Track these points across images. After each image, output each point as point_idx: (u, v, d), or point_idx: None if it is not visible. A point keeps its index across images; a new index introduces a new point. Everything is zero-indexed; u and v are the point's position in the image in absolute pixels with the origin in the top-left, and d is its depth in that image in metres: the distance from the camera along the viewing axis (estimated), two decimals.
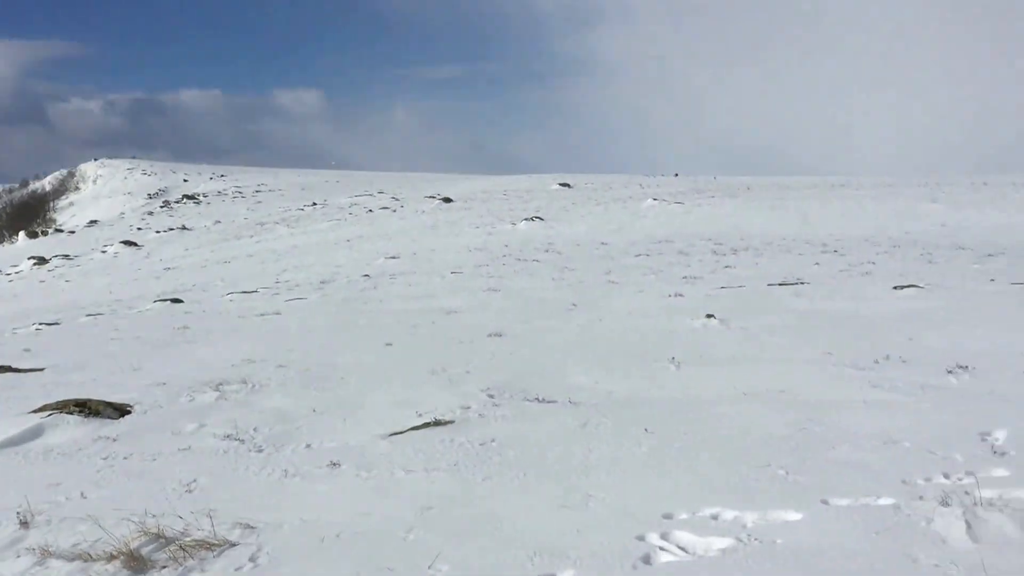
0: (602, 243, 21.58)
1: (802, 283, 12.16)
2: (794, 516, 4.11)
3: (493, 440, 5.54)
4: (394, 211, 37.82)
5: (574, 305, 10.98)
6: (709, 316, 9.37)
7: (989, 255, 15.53)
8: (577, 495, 4.46)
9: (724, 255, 17.40)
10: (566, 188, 45.43)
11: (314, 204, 46.96)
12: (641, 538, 3.92)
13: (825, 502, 4.26)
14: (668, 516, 4.14)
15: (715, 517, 4.14)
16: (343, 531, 4.20)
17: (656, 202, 34.06)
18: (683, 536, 3.93)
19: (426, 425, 5.98)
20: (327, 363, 8.26)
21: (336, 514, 4.44)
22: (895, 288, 11.01)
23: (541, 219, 29.98)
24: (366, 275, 16.61)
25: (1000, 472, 4.62)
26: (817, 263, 15.12)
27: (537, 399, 6.47)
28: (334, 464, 5.26)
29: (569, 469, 4.88)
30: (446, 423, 6.00)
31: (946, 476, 4.59)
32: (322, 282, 15.98)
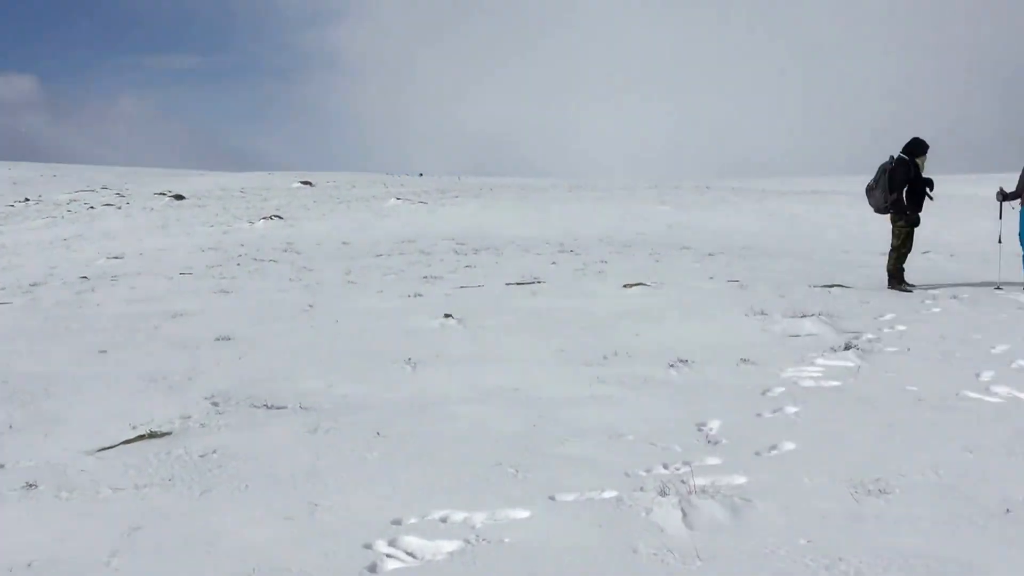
0: (344, 243, 21.33)
1: (539, 282, 12.51)
2: (522, 514, 4.18)
3: (215, 451, 5.27)
4: (119, 208, 35.65)
5: (310, 306, 10.75)
6: (447, 316, 9.44)
7: (709, 254, 16.61)
8: (303, 505, 4.32)
9: (466, 255, 17.62)
10: (308, 186, 44.60)
11: (27, 200, 43.54)
12: (368, 546, 3.84)
13: (552, 498, 4.36)
14: (397, 522, 4.09)
15: (444, 520, 4.14)
16: (36, 560, 3.85)
17: (400, 201, 34.10)
18: (411, 541, 3.90)
19: (140, 438, 5.59)
20: (30, 373, 7.61)
21: (29, 542, 4.06)
22: (625, 286, 11.54)
23: (280, 218, 29.25)
24: (84, 277, 15.52)
25: (713, 460, 4.92)
26: (554, 262, 15.61)
27: (265, 405, 6.23)
28: (30, 485, 4.80)
29: (296, 478, 4.72)
30: (163, 435, 5.65)
31: (665, 466, 4.83)
32: (32, 285, 14.78)
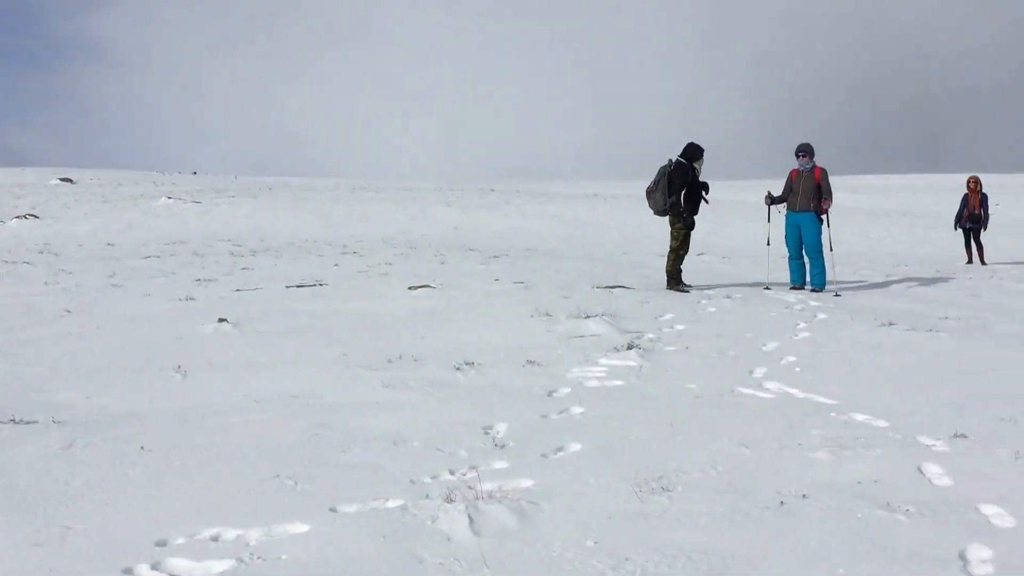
0: (108, 244, 20.21)
1: (321, 285, 12.23)
2: (302, 528, 3.99)
3: None
4: None
5: (68, 311, 10.01)
6: (222, 320, 9.03)
7: (495, 256, 16.80)
8: (54, 529, 3.94)
9: (242, 256, 17.06)
10: (68, 183, 42.09)
11: None
12: (128, 571, 3.54)
13: (334, 510, 4.20)
14: (162, 543, 3.81)
15: (215, 538, 3.89)
16: None
17: (171, 201, 32.72)
18: (178, 563, 3.63)
19: None
20: None
21: None
22: (410, 288, 11.45)
23: (37, 217, 27.42)
24: None
25: (500, 464, 4.89)
26: (337, 264, 15.35)
27: (12, 421, 5.69)
28: None
29: (46, 500, 4.31)
30: None
31: (452, 472, 4.76)
32: None
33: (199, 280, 13.00)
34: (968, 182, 19.33)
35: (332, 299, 10.86)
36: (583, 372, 7.08)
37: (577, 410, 5.98)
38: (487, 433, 5.50)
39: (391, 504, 4.28)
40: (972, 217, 19.04)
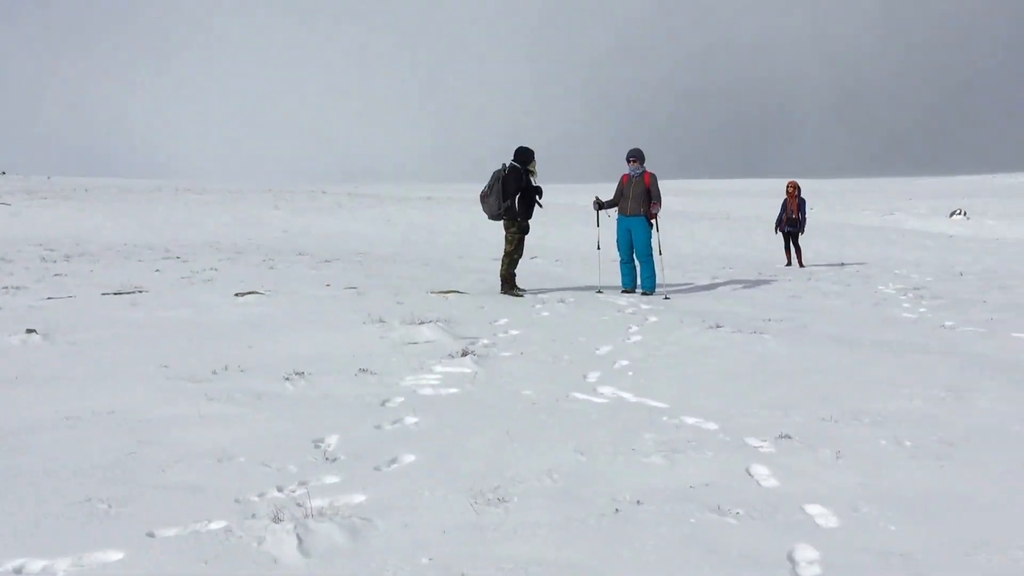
0: None
1: (140, 292, 11.68)
2: (115, 555, 3.74)
3: None
4: None
5: None
6: (30, 331, 8.47)
7: (326, 261, 16.50)
8: None
9: (55, 262, 16.15)
10: None
11: None
12: None
13: (151, 535, 3.95)
14: None
15: (19, 571, 3.60)
16: None
17: None
18: None
19: None
20: None
21: None
22: (237, 295, 11.07)
23: None
24: None
25: (331, 479, 4.74)
26: (158, 270, 14.72)
27: None
28: None
29: None
30: None
31: (280, 489, 4.58)
32: None
33: (6, 288, 12.19)
34: (787, 187, 20.21)
35: (152, 307, 10.38)
36: (417, 380, 6.98)
37: (411, 420, 5.88)
38: (318, 446, 5.33)
39: (214, 526, 4.07)
40: (790, 221, 19.91)
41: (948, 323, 10.51)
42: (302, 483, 4.66)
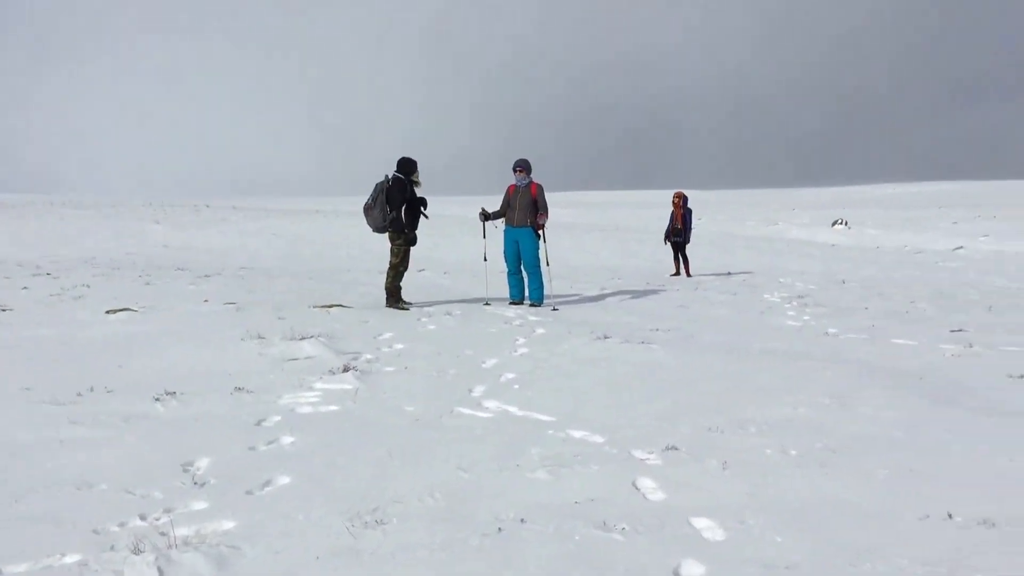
0: None
1: (5, 310, 11.10)
2: None
3: None
4: None
5: None
6: None
7: (206, 276, 16.02)
8: None
9: None
10: None
11: None
12: None
13: None
14: None
15: None
16: None
17: None
18: None
19: None
20: None
21: None
22: (108, 312, 10.61)
23: None
24: None
25: (200, 505, 4.50)
26: (26, 287, 14.04)
27: None
28: None
29: None
30: None
31: (143, 518, 4.32)
32: None
33: None
34: (673, 198, 20.46)
35: (17, 325, 9.86)
36: (296, 398, 6.74)
37: (288, 440, 5.66)
38: (187, 470, 5.07)
39: (68, 560, 3.81)
40: (676, 231, 20.16)
41: (832, 330, 10.72)
42: (167, 510, 4.42)
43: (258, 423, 6.06)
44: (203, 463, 5.19)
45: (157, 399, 6.64)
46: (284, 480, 4.88)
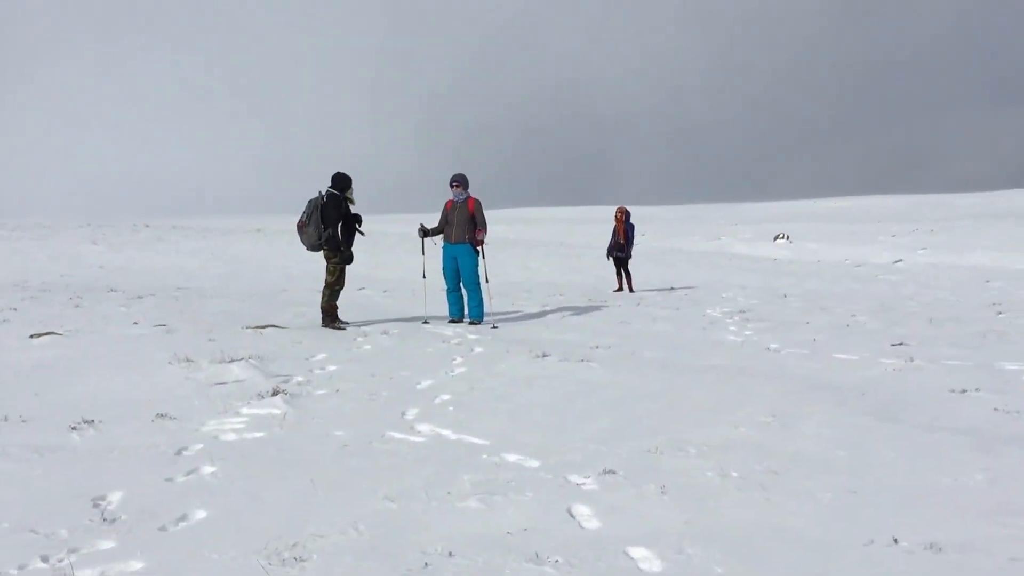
0: None
1: None
2: None
3: None
4: None
5: None
6: None
7: (139, 297, 15.58)
8: None
9: None
10: None
11: None
12: None
13: None
14: None
15: None
16: None
17: None
18: None
19: None
20: None
21: None
22: (32, 336, 10.19)
23: None
24: None
25: (107, 543, 4.21)
26: None
27: None
28: None
29: None
30: None
31: (44, 559, 4.02)
32: None
33: None
34: (615, 214, 20.39)
35: None
36: (220, 424, 6.44)
37: (208, 470, 5.36)
38: (97, 505, 4.76)
39: None
40: (619, 246, 20.07)
41: (773, 345, 10.63)
42: (72, 550, 4.12)
43: (178, 452, 5.75)
44: (115, 497, 4.88)
45: (74, 428, 6.31)
46: (200, 514, 4.60)
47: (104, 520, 4.53)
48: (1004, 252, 33.55)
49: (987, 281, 23.92)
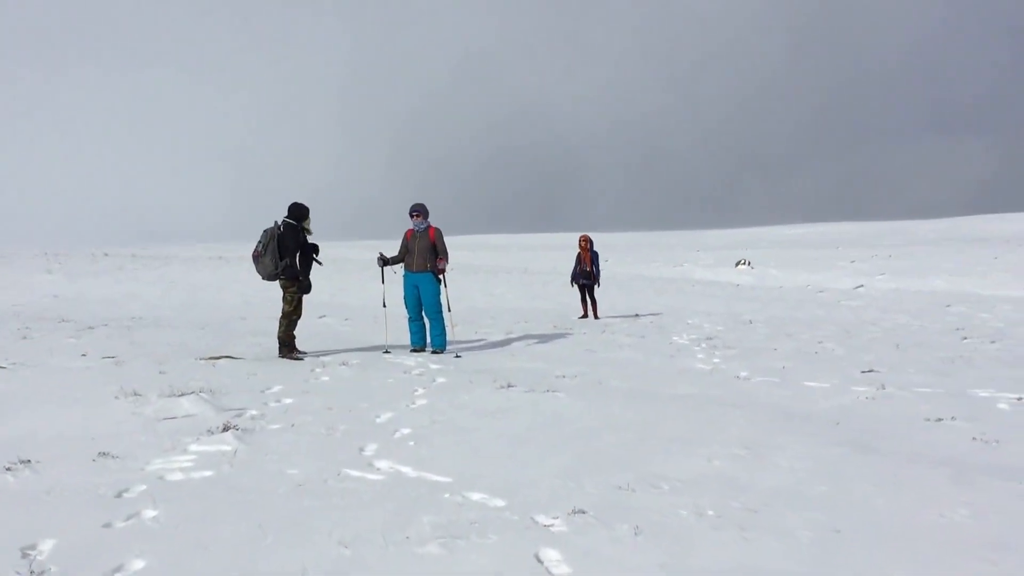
0: None
1: None
2: None
3: None
4: None
5: None
6: None
7: (90, 328, 15.10)
8: None
9: None
10: None
11: None
12: None
13: None
14: None
15: None
16: None
17: None
18: None
19: None
20: None
21: None
22: None
23: None
24: None
25: None
26: None
27: None
28: None
29: None
30: None
31: None
32: None
33: None
34: (579, 241, 20.19)
35: None
36: (167, 463, 6.05)
37: (150, 513, 4.99)
38: (26, 555, 4.37)
39: None
40: (584, 274, 19.86)
41: (743, 373, 10.41)
42: None
43: (119, 494, 5.36)
44: (47, 546, 4.50)
45: (8, 469, 5.88)
46: (138, 565, 4.23)
47: (32, 573, 4.15)
48: (963, 276, 33.77)
49: (948, 306, 23.95)
